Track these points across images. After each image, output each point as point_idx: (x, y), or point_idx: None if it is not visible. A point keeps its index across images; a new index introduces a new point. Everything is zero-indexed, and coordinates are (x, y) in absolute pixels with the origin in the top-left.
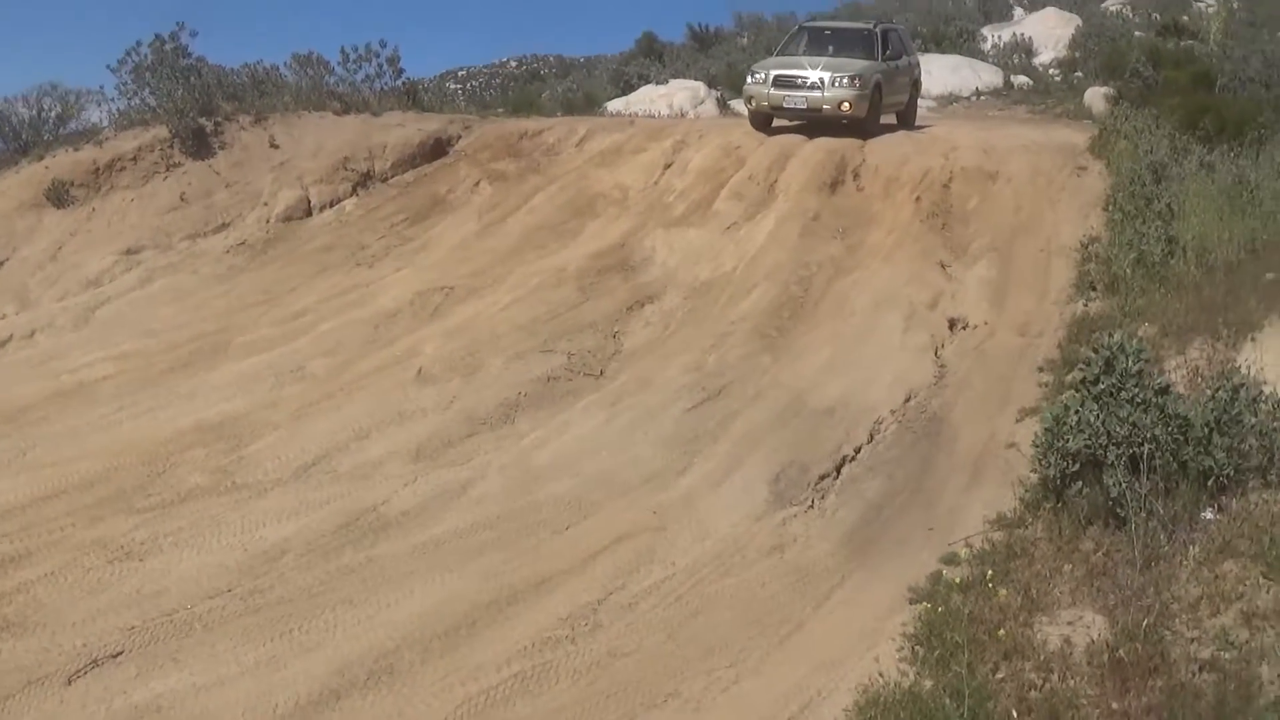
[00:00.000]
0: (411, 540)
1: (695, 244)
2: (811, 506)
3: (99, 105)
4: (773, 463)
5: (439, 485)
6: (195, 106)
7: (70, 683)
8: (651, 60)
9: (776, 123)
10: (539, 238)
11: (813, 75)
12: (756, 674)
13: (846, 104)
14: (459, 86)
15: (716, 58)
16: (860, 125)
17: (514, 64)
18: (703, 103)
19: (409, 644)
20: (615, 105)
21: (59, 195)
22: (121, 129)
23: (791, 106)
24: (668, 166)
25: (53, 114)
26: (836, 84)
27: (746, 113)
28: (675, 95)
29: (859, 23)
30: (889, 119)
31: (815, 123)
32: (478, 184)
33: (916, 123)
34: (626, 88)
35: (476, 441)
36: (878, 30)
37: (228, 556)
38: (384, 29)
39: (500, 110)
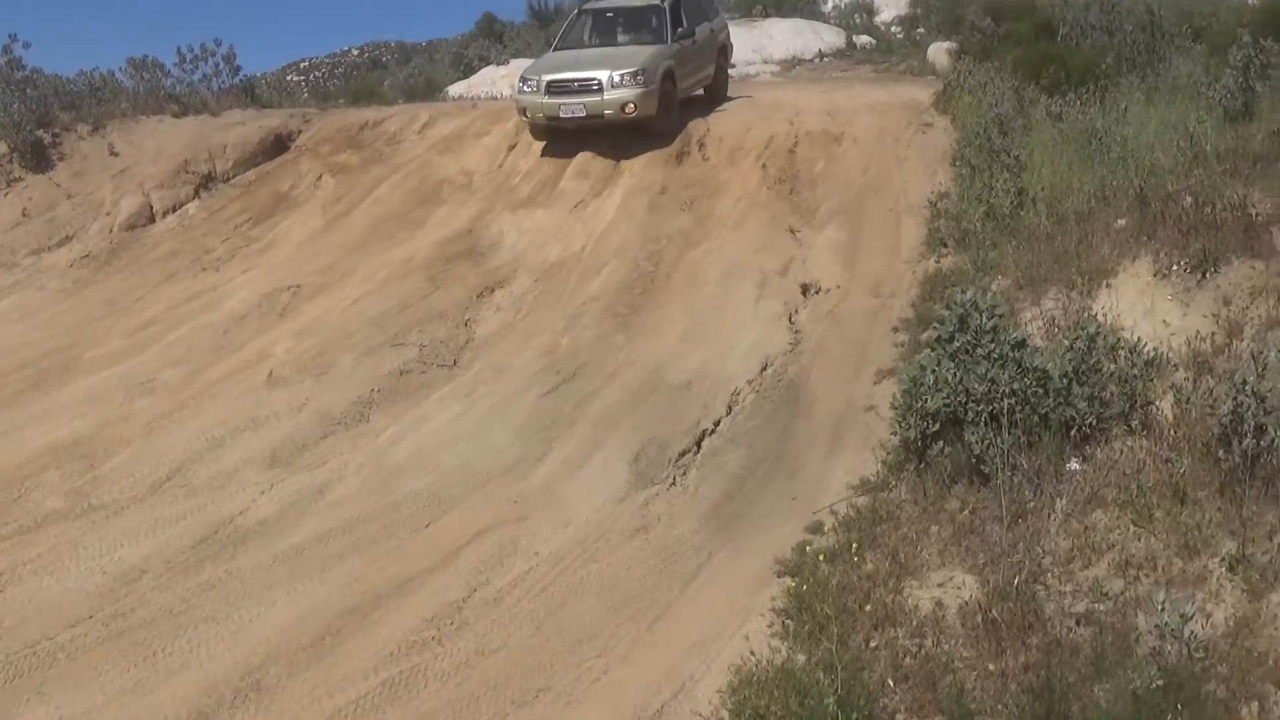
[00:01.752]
0: (271, 550)
1: (543, 225)
2: (673, 484)
3: None
4: (632, 442)
5: (296, 491)
6: (32, 119)
7: None
8: (492, 41)
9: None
10: (385, 229)
11: (590, 75)
12: (626, 661)
13: (631, 105)
14: (301, 79)
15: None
16: (652, 124)
17: (356, 52)
18: None
19: (275, 658)
20: (457, 89)
21: None
22: None
23: (570, 115)
24: (512, 148)
25: None
26: (618, 83)
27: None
28: (517, 76)
29: None
30: (698, 94)
31: (602, 129)
32: (320, 178)
33: (749, 91)
34: (468, 70)
35: (332, 443)
36: (666, 4)
37: (87, 581)
38: (224, 25)
39: (342, 101)
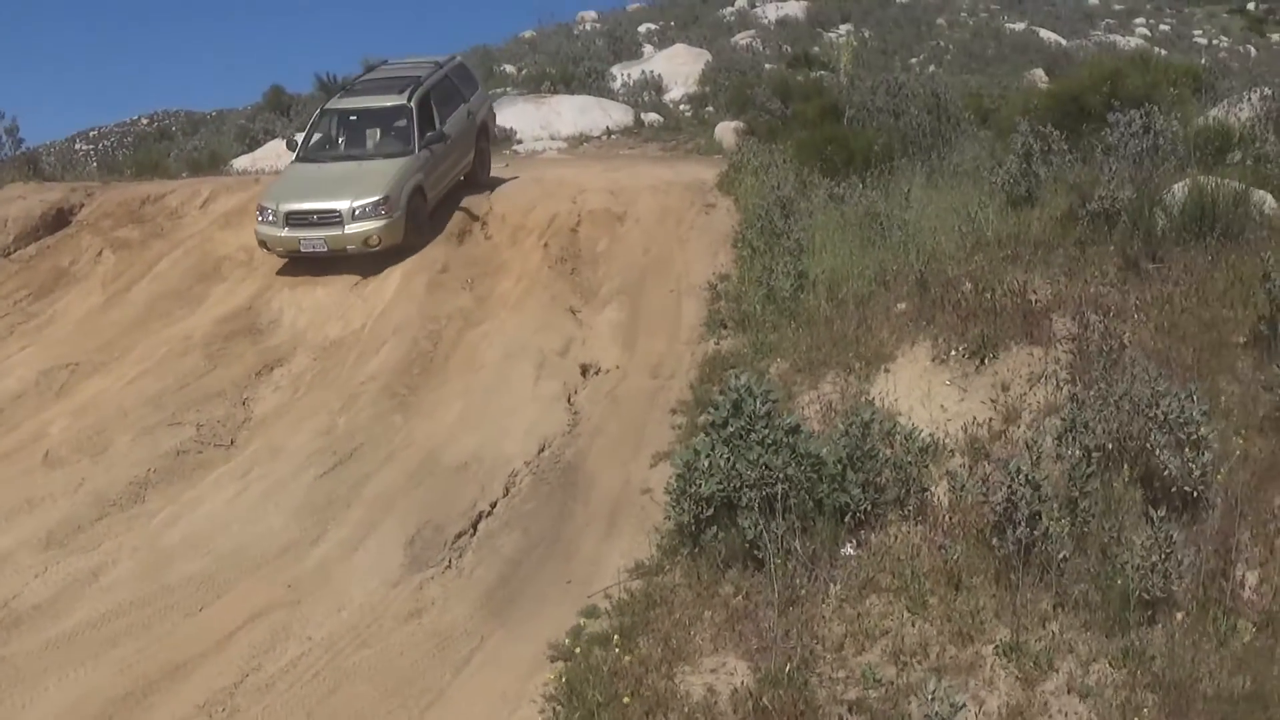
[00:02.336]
0: (44, 635)
1: (323, 302)
2: (449, 567)
3: None
4: (408, 525)
5: (70, 574)
6: None
7: None
8: (278, 114)
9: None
10: (164, 305)
11: (329, 206)
12: None
13: (375, 238)
14: (90, 147)
15: None
16: (399, 250)
17: (145, 121)
18: None
19: None
20: (242, 162)
21: None
22: None
23: (311, 250)
24: None
25: None
26: (359, 214)
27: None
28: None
29: (390, 93)
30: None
31: (345, 258)
32: (100, 253)
33: (535, 168)
34: (253, 144)
35: (107, 524)
36: (412, 103)
37: None
38: (11, 91)
39: (127, 173)
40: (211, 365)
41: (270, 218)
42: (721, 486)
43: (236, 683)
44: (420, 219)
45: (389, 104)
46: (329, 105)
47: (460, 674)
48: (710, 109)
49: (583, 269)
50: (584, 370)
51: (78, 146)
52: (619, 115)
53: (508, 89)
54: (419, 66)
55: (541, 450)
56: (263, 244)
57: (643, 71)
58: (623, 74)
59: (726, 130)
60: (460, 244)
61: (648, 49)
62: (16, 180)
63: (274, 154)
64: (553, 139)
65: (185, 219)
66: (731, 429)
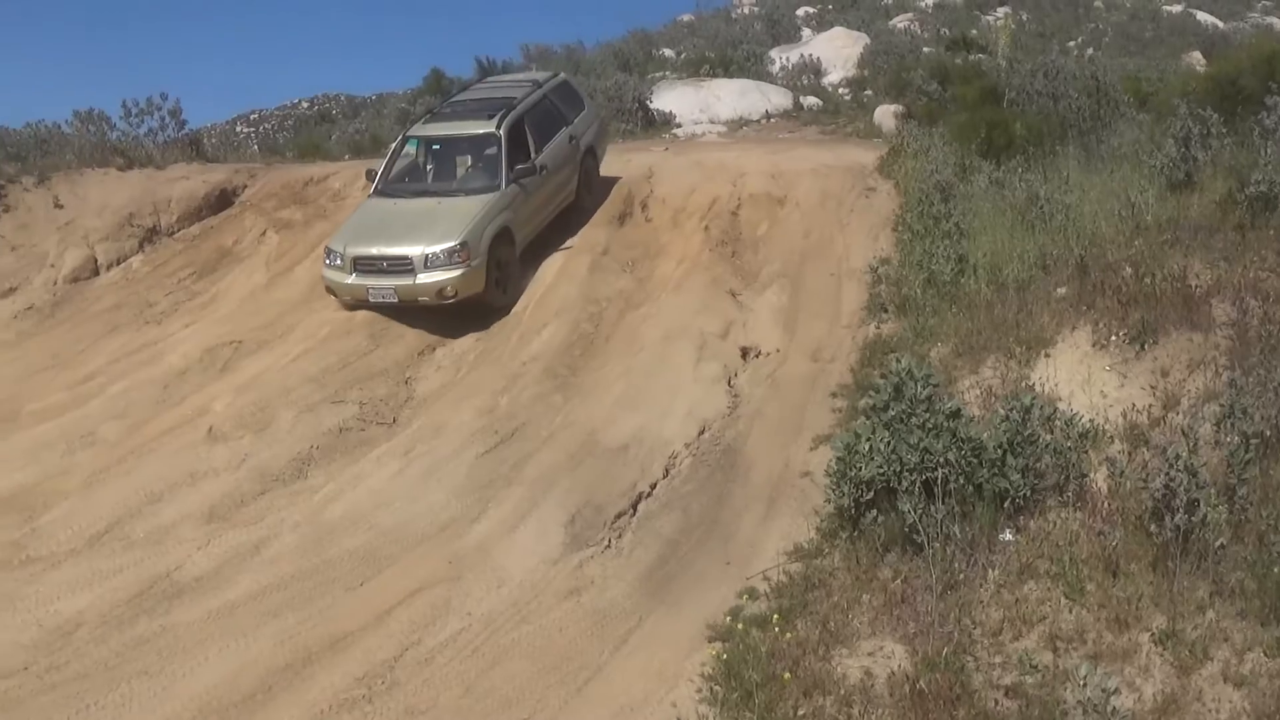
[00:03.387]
0: (206, 606)
1: None
2: (608, 547)
3: None
4: (568, 504)
5: (232, 547)
6: None
7: None
8: (439, 97)
9: None
10: None
11: (400, 253)
12: None
13: (450, 289)
14: (251, 130)
15: None
16: (482, 301)
17: (305, 104)
18: None
19: (206, 713)
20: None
21: None
22: None
23: (381, 300)
24: None
25: None
26: (433, 262)
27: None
28: None
29: (478, 119)
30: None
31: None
32: (264, 233)
33: (695, 152)
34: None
35: (269, 499)
36: (501, 131)
37: (22, 633)
38: (176, 74)
39: (288, 155)
40: (374, 344)
41: (337, 262)
42: (882, 470)
43: (396, 656)
44: (506, 265)
45: (475, 132)
46: (411, 131)
47: (618, 652)
48: (869, 92)
49: (743, 252)
50: (744, 353)
51: (238, 129)
52: (778, 99)
53: (667, 73)
54: (516, 86)
55: (701, 432)
56: (330, 290)
57: (801, 55)
58: (781, 57)
59: (885, 114)
60: (621, 226)
61: (806, 32)
62: (180, 161)
63: None
64: (712, 122)
65: (348, 200)
66: (893, 413)
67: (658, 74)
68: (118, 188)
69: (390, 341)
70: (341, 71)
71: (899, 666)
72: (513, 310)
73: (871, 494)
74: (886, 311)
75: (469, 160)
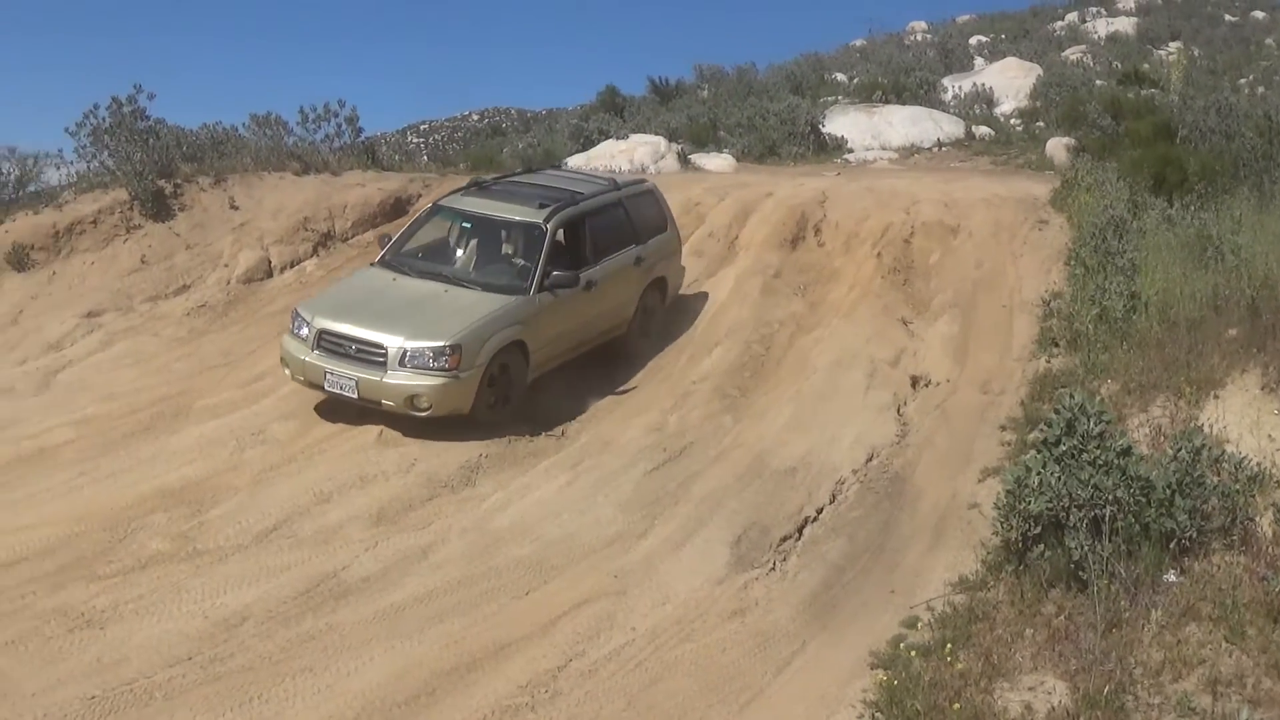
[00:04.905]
0: (372, 606)
1: None
2: (773, 569)
3: (58, 168)
4: (734, 525)
5: (400, 550)
6: (154, 168)
7: None
8: (612, 114)
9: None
10: None
11: (376, 338)
12: None
13: (425, 400)
14: (421, 140)
15: (677, 111)
16: (468, 416)
17: (476, 117)
18: (663, 157)
19: (369, 713)
20: (576, 161)
21: (19, 259)
22: (81, 192)
23: (338, 391)
24: None
25: (11, 177)
26: (408, 360)
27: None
28: (636, 150)
29: (527, 204)
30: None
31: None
32: None
33: (866, 179)
34: (586, 143)
35: (437, 505)
36: (548, 225)
37: (188, 624)
38: (346, 83)
39: (461, 167)
40: None
41: (302, 331)
42: (1050, 505)
43: (560, 666)
44: (512, 387)
45: (516, 218)
46: (443, 200)
47: (780, 674)
48: (1040, 124)
49: (915, 280)
50: (914, 381)
51: (410, 139)
52: (949, 127)
53: (838, 97)
54: (589, 181)
55: (870, 459)
56: (283, 362)
57: (974, 84)
58: (953, 85)
59: (1058, 146)
60: (793, 250)
61: (978, 61)
62: (355, 168)
63: (607, 154)
64: (883, 148)
65: None
66: (1064, 448)
67: (829, 98)
68: (294, 192)
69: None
70: (513, 86)
71: (1059, 702)
72: (684, 329)
73: (1039, 529)
74: (1057, 346)
75: (500, 250)
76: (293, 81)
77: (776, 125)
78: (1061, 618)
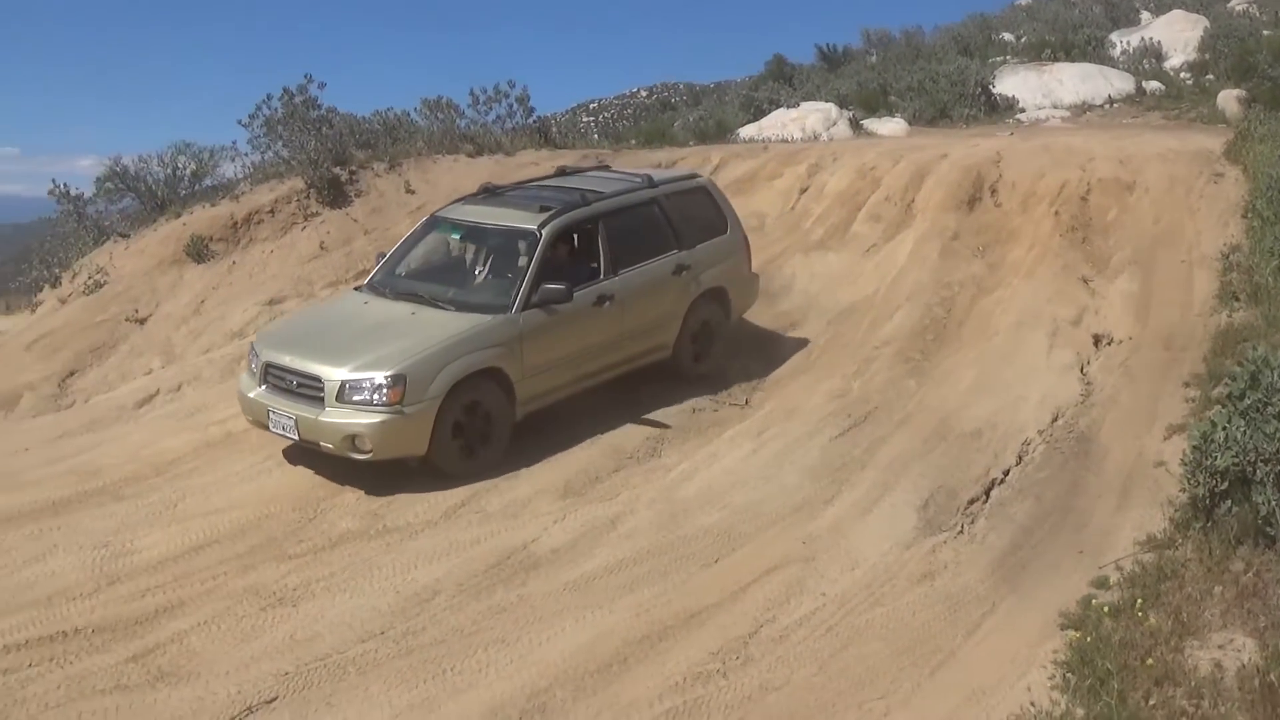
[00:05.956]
0: (562, 577)
1: (835, 268)
2: (961, 532)
3: (232, 160)
4: (921, 489)
5: (588, 521)
6: (329, 156)
7: None
8: (781, 84)
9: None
10: None
11: (314, 371)
12: (907, 706)
13: (366, 441)
14: (591, 119)
15: (846, 77)
16: (427, 464)
17: (644, 93)
18: (835, 124)
19: (561, 682)
20: (748, 131)
21: (198, 250)
22: (257, 182)
23: (280, 431)
24: (804, 191)
25: (187, 171)
26: (347, 395)
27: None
28: (807, 118)
29: (526, 209)
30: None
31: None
32: None
33: (1040, 136)
34: (758, 113)
35: (624, 476)
36: (542, 231)
37: (380, 600)
38: (514, 66)
39: (633, 142)
40: None
41: (253, 364)
42: (1236, 461)
43: (751, 633)
44: (491, 425)
45: (508, 224)
46: (440, 211)
47: (970, 637)
48: (1210, 76)
49: (1093, 238)
50: (1096, 340)
51: (580, 119)
52: (1119, 83)
53: (1007, 57)
54: (619, 180)
55: (1055, 419)
56: (240, 400)
57: (1141, 38)
58: (1121, 41)
59: (1229, 98)
60: (970, 211)
61: (1144, 15)
62: (528, 148)
63: (779, 123)
64: (1055, 107)
65: None
66: (1248, 401)
67: (998, 58)
68: (468, 173)
69: (743, 323)
70: (678, 61)
71: (1249, 660)
72: (864, 294)
73: (1226, 485)
74: (1238, 300)
75: (489, 264)
76: (461, 67)
77: (946, 87)
78: (1250, 574)
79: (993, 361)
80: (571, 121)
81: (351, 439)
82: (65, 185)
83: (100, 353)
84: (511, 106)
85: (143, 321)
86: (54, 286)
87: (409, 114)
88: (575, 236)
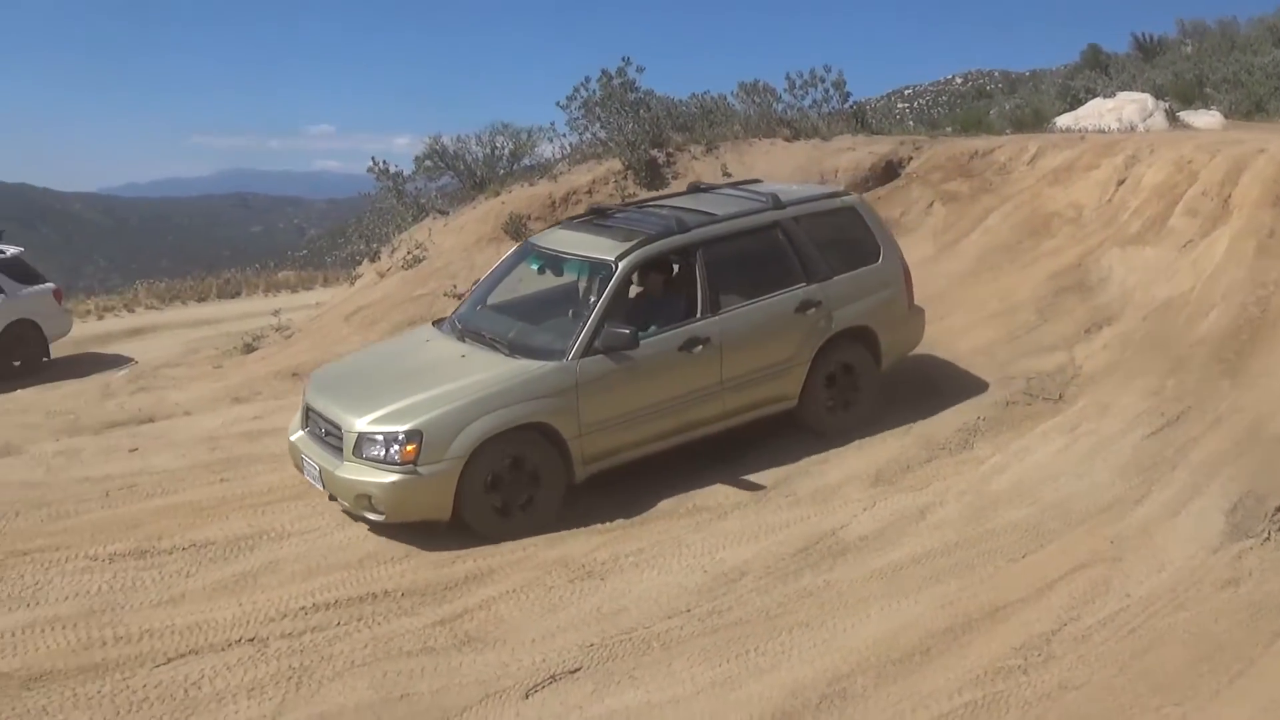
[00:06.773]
0: (869, 565)
1: (1151, 263)
2: (1268, 539)
3: (550, 141)
4: (1230, 492)
5: (898, 510)
6: (646, 138)
7: (528, 696)
8: (1097, 73)
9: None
10: (993, 259)
11: (337, 416)
12: (1203, 713)
13: (381, 504)
14: (906, 105)
15: (1161, 68)
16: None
17: (959, 80)
18: (1151, 115)
19: (862, 668)
20: (1064, 120)
21: (516, 229)
22: (575, 163)
23: (311, 481)
24: (1120, 183)
25: (506, 151)
26: (365, 448)
27: None
28: (1124, 108)
29: (613, 238)
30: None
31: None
32: (930, 205)
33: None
34: (1074, 102)
35: (935, 466)
36: (619, 266)
37: (687, 578)
38: (827, 52)
39: (948, 129)
40: (1041, 320)
41: (304, 405)
42: None
43: (1054, 630)
44: (539, 488)
45: (587, 255)
46: (533, 238)
47: (1271, 646)
48: None
49: None
50: None
51: (895, 105)
52: None
53: None
54: (736, 200)
55: None
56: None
57: None
58: None
59: None
60: None
61: None
62: (845, 133)
63: (1095, 113)
64: None
65: (1013, 174)
66: None
67: None
68: (784, 157)
69: (1058, 317)
70: (991, 48)
71: None
72: (1179, 291)
73: None
74: None
75: (566, 300)
76: (777, 52)
77: (1262, 80)
78: None
79: None
80: (887, 107)
81: (367, 499)
82: (385, 163)
83: (418, 326)
84: (828, 91)
85: (460, 297)
86: (373, 260)
87: (726, 97)
88: (674, 268)
